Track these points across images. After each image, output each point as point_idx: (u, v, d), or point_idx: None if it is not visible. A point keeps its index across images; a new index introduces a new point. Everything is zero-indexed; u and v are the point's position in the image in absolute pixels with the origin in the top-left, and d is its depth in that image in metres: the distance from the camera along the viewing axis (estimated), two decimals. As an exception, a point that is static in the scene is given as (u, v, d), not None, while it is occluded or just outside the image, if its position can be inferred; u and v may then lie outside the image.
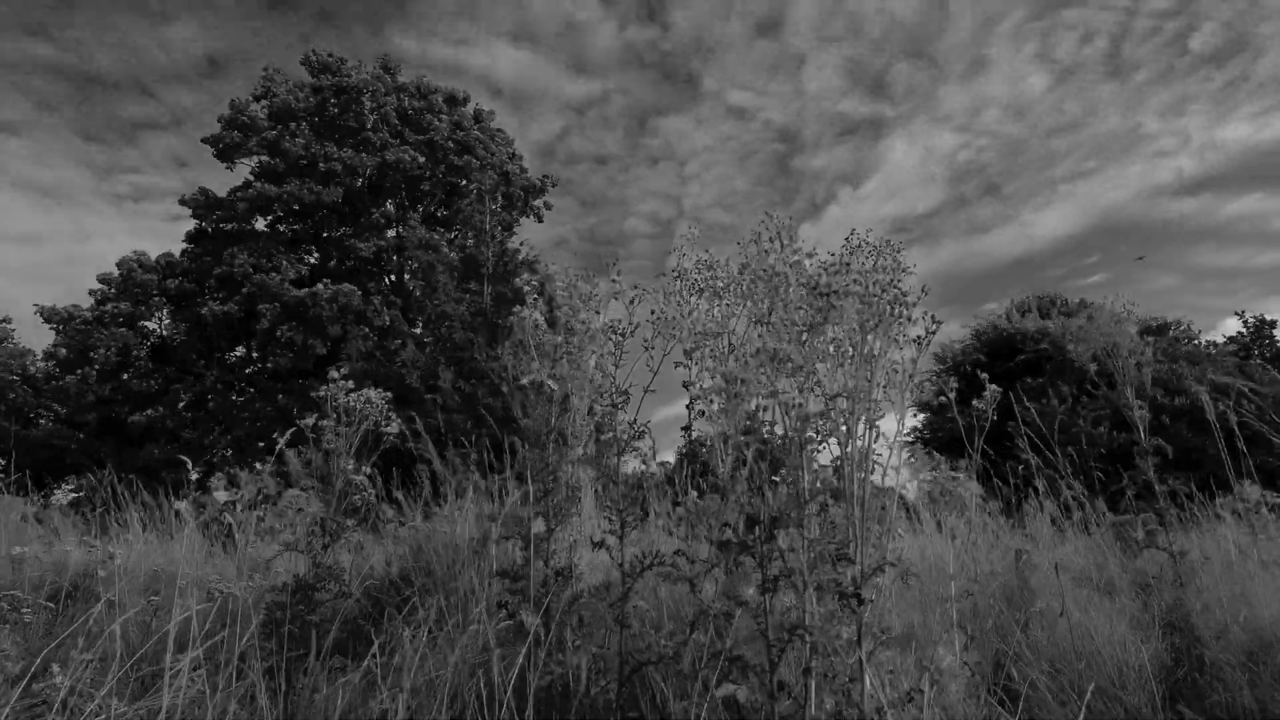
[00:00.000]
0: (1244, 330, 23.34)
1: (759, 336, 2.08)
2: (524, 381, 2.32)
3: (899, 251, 1.98)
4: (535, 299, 2.45)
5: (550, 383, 2.32)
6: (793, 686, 1.94)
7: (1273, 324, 23.12)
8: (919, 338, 2.01)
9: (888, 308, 1.94)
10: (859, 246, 2.01)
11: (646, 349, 2.29)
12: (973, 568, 3.55)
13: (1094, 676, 2.65)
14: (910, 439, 20.98)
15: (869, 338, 1.96)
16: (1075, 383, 16.63)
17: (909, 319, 1.97)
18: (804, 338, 1.97)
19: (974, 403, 2.94)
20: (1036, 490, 4.18)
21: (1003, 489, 4.52)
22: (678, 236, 2.42)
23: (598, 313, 2.35)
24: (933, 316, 2.00)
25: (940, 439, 18.57)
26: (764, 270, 2.06)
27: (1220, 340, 21.80)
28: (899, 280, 1.96)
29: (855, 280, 1.95)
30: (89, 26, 31.28)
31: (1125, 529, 3.85)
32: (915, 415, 20.72)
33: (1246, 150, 35.95)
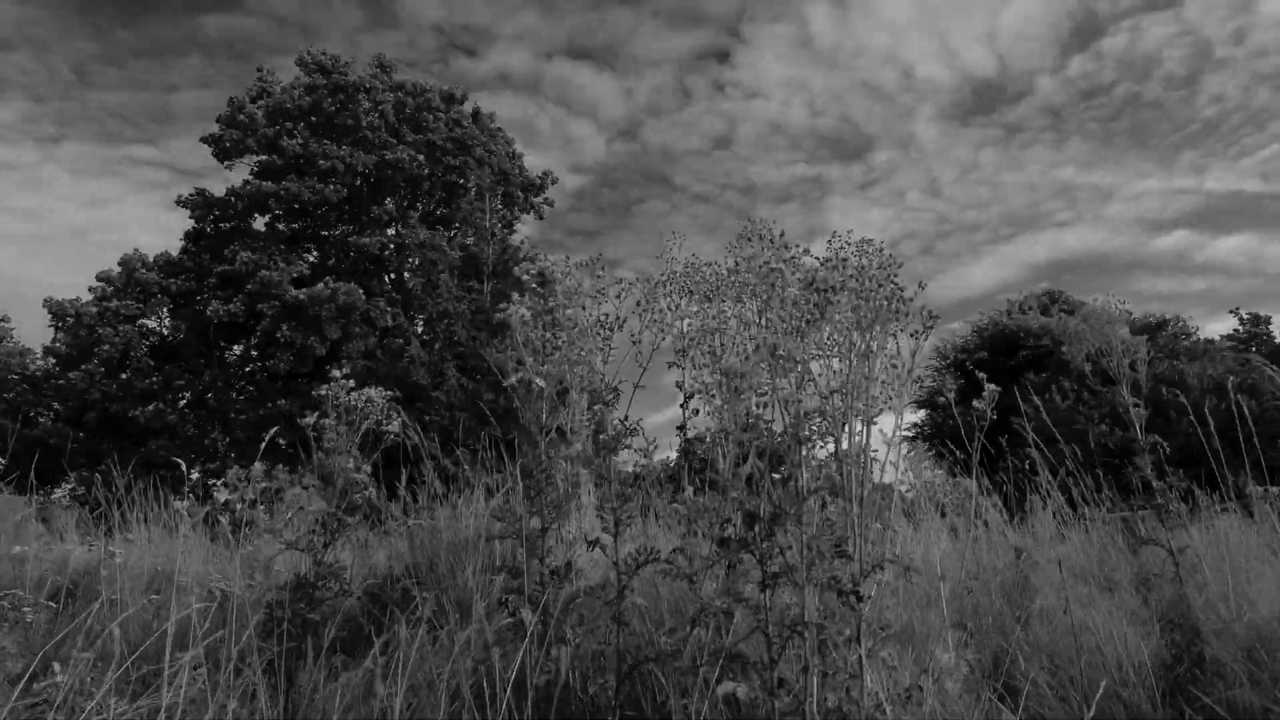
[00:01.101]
0: (1240, 327, 23.47)
1: (755, 335, 2.07)
2: (512, 380, 2.30)
3: (883, 250, 1.98)
4: (532, 289, 2.39)
5: (539, 380, 2.29)
6: (793, 684, 1.93)
7: (1268, 319, 23.28)
8: (916, 333, 2.00)
9: (884, 303, 1.93)
10: (844, 247, 2.01)
11: (634, 343, 2.29)
12: (974, 565, 3.54)
13: (1094, 673, 2.64)
14: (911, 435, 20.95)
15: (866, 334, 1.95)
16: (1079, 379, 16.57)
17: (905, 314, 1.96)
18: (802, 334, 1.96)
19: (974, 402, 2.95)
20: (1039, 487, 4.17)
21: (1005, 486, 4.51)
22: (665, 240, 2.45)
23: (584, 308, 2.33)
24: (929, 312, 1.99)
25: (941, 440, 18.56)
26: (760, 266, 2.05)
27: (1215, 339, 21.85)
28: (894, 275, 1.95)
29: (852, 276, 1.94)
30: (191, 137, 37.43)
31: (1125, 525, 3.85)
32: (917, 412, 20.72)
33: (1137, 218, 43.49)
